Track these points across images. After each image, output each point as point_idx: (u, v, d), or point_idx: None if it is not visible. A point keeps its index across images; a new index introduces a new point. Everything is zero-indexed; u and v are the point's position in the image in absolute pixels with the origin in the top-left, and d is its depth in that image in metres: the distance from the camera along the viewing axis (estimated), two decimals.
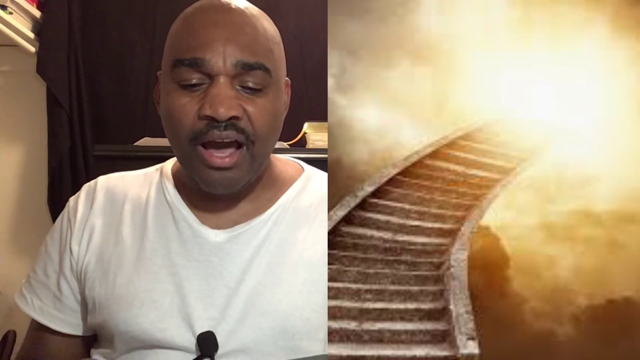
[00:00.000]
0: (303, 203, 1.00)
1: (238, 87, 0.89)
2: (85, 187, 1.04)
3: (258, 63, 0.89)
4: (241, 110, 0.88)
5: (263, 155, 0.94)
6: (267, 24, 0.94)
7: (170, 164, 1.06)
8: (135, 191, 1.02)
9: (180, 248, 0.95)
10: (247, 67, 0.88)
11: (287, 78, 1.00)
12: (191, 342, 0.89)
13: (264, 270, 0.93)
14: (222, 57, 0.87)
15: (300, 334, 0.91)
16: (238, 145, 0.90)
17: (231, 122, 0.88)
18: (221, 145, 0.89)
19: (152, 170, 1.06)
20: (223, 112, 0.86)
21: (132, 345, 0.92)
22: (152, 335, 0.90)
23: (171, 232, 0.96)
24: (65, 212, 1.03)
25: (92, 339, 1.03)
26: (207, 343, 0.88)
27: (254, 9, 0.94)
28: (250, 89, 0.89)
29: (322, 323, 0.93)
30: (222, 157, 0.89)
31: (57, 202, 1.99)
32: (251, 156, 0.91)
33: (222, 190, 0.93)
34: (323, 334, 0.93)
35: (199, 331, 0.89)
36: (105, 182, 1.04)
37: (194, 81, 0.88)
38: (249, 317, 0.90)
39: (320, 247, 0.96)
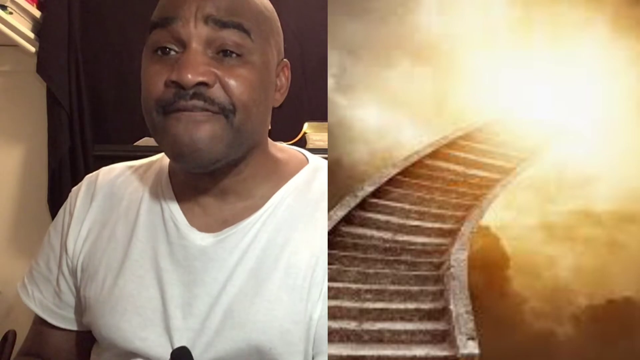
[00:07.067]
0: (301, 200, 0.90)
1: (214, 55, 0.81)
2: (87, 179, 1.00)
3: (233, 22, 0.81)
4: (213, 77, 0.80)
5: (247, 129, 0.83)
6: None
7: None
8: (135, 185, 0.95)
9: (166, 250, 0.88)
10: (219, 24, 0.80)
11: (285, 60, 0.91)
12: (169, 354, 0.84)
13: (247, 277, 0.85)
14: (193, 15, 0.80)
15: (278, 347, 0.83)
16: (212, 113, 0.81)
17: (199, 91, 0.79)
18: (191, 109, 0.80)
19: (159, 158, 0.99)
20: (189, 78, 0.78)
21: (112, 351, 0.89)
22: (132, 343, 0.86)
23: (160, 232, 0.89)
24: (67, 203, 0.99)
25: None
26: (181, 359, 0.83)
27: None
28: (229, 54, 0.81)
29: (303, 333, 0.84)
30: (192, 122, 0.80)
31: (57, 202, 1.98)
32: (231, 127, 0.81)
33: (194, 160, 0.82)
34: (304, 345, 0.84)
35: (177, 343, 0.84)
36: (107, 175, 0.98)
37: (166, 45, 0.81)
38: (226, 328, 0.84)
39: (309, 251, 0.86)
